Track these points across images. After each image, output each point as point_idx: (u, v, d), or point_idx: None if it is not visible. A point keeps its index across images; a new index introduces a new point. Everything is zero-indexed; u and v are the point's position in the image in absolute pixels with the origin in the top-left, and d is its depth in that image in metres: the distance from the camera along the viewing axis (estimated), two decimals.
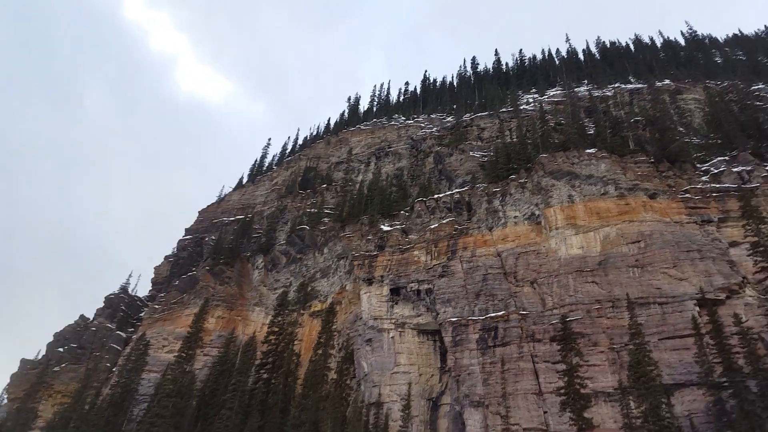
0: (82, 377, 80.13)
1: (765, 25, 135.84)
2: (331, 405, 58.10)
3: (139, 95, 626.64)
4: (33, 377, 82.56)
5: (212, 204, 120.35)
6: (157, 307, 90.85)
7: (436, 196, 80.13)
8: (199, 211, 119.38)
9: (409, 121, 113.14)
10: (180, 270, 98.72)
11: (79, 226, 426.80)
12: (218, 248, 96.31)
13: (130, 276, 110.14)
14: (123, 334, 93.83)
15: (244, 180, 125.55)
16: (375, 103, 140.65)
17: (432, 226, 73.99)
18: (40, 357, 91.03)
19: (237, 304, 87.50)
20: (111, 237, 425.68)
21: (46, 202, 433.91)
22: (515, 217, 69.47)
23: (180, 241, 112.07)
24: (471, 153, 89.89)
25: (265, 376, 63.64)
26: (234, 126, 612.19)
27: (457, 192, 78.49)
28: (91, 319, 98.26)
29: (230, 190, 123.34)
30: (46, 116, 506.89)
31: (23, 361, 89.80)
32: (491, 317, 59.26)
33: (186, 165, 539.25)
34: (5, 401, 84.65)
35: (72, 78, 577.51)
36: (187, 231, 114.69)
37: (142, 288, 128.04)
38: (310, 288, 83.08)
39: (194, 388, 67.94)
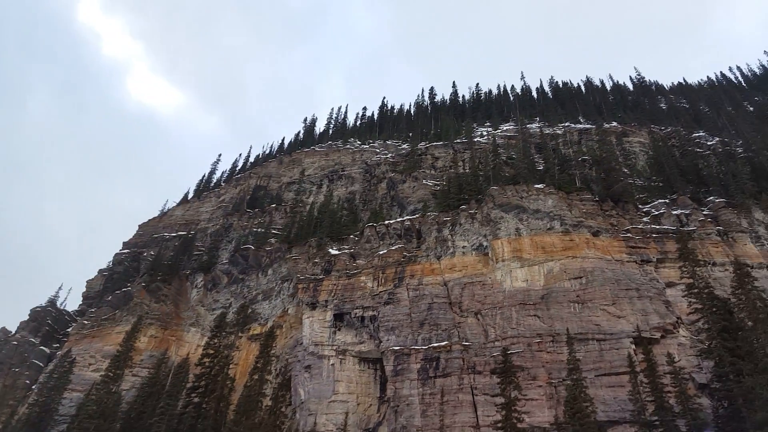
0: None
1: (708, 77, 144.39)
2: None
3: (86, 101, 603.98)
4: None
5: (154, 218, 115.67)
6: (86, 322, 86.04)
7: (386, 222, 79.68)
8: (139, 225, 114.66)
9: (365, 146, 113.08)
10: (114, 285, 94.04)
11: (8, 233, 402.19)
12: (156, 264, 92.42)
13: (59, 289, 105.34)
14: (47, 350, 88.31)
15: (190, 195, 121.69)
16: (331, 125, 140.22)
17: (381, 252, 73.23)
18: None
19: (172, 323, 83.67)
20: (42, 247, 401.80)
21: None
22: (464, 247, 69.63)
23: (116, 254, 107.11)
24: (424, 181, 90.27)
25: (196, 400, 60.23)
26: (183, 140, 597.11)
27: (408, 219, 78.27)
28: (13, 332, 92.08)
29: (174, 204, 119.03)
30: None
31: None
32: (434, 347, 58.53)
33: (129, 176, 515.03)
34: None
35: (16, 78, 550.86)
36: (125, 245, 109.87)
37: (72, 302, 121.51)
38: (250, 310, 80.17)
39: (119, 410, 64.07)
